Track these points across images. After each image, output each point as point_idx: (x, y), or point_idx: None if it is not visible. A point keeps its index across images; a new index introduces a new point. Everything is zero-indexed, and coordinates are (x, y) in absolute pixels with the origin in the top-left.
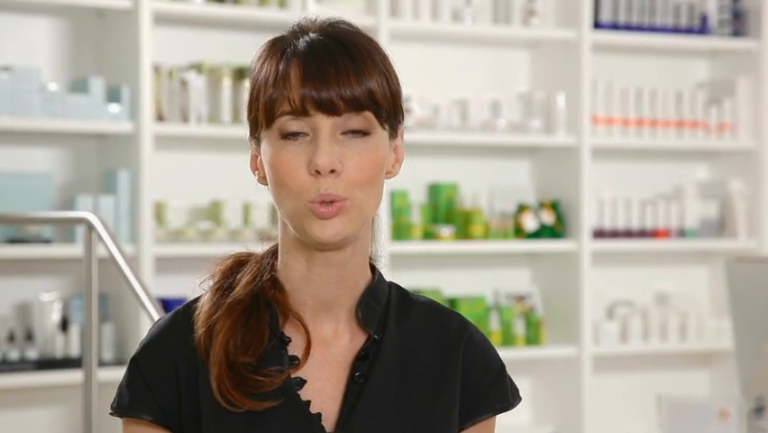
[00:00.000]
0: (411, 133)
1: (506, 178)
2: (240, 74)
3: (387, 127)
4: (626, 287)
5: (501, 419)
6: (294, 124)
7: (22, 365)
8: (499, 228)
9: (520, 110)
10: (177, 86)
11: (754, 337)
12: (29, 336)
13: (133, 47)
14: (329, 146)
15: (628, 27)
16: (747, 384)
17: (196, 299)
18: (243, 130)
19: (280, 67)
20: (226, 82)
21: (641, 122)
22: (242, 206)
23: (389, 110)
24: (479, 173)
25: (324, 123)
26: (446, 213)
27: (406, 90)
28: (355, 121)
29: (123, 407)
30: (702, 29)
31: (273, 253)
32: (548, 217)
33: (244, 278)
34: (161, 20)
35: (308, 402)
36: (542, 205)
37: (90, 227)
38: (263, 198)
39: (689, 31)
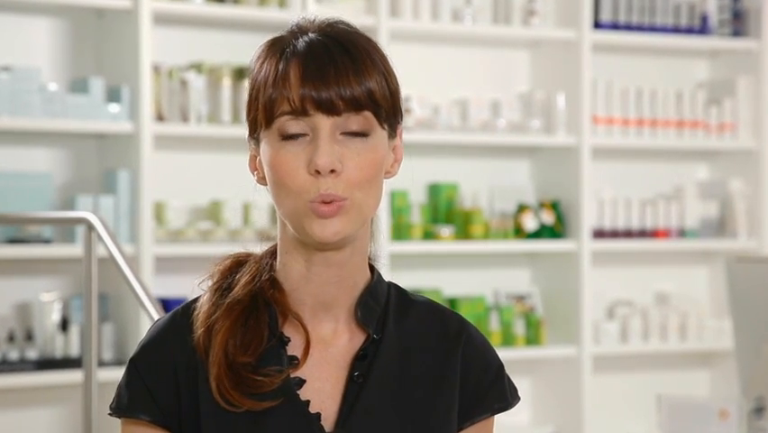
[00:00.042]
0: (411, 133)
1: (506, 178)
2: (240, 74)
3: (386, 127)
4: (626, 287)
5: (501, 420)
6: (293, 125)
7: (22, 365)
8: (499, 228)
9: (520, 110)
10: (176, 86)
11: (754, 337)
12: (29, 336)
13: (133, 47)
14: (329, 146)
15: (628, 27)
16: (747, 384)
17: (195, 300)
18: (243, 130)
19: (280, 67)
20: (226, 82)
21: (641, 122)
22: (241, 206)
23: (389, 110)
24: (479, 173)
25: (324, 123)
26: (446, 213)
27: (406, 90)
28: (355, 121)
29: (122, 407)
30: (702, 29)
31: (272, 253)
32: (548, 217)
33: (243, 278)
34: (161, 20)
35: (307, 402)
36: (542, 205)
37: (90, 227)
38: (263, 198)
39: (689, 31)
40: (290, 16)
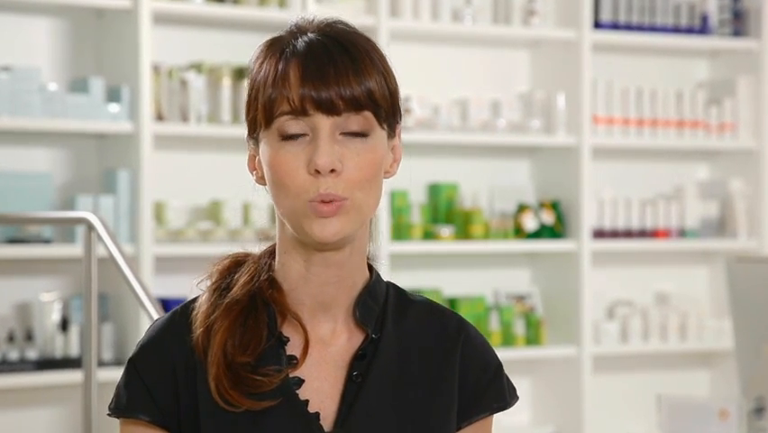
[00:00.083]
0: (411, 133)
1: (506, 178)
2: (240, 74)
3: (385, 127)
4: (626, 287)
5: (502, 420)
6: (293, 125)
7: (22, 365)
8: (499, 228)
9: (520, 110)
10: (176, 85)
11: (754, 337)
12: (29, 337)
13: (133, 47)
14: (329, 146)
15: (628, 27)
16: (747, 384)
17: (194, 300)
18: (243, 130)
19: (279, 67)
20: (226, 82)
21: (641, 122)
22: (241, 206)
23: (388, 110)
24: (479, 173)
25: (324, 122)
26: (446, 213)
27: (406, 90)
28: (354, 121)
29: (121, 407)
30: (702, 29)
31: (271, 253)
32: (548, 217)
33: (242, 278)
34: (161, 20)
35: (306, 402)
36: (542, 205)
37: (90, 227)
38: (263, 197)
39: (689, 30)
40: (290, 16)
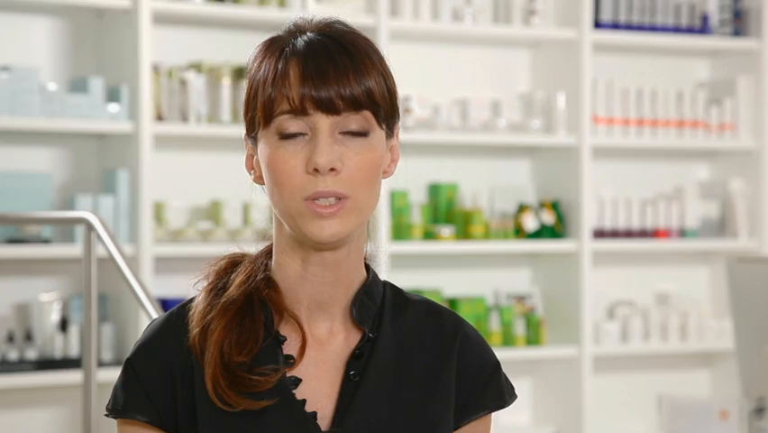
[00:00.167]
0: (411, 132)
1: (506, 178)
2: (239, 74)
3: (384, 127)
4: (627, 287)
5: (502, 420)
6: (293, 124)
7: (22, 366)
8: (500, 228)
9: (520, 110)
10: (176, 85)
11: (754, 338)
12: (28, 337)
13: (133, 47)
14: (329, 145)
15: (629, 27)
16: (748, 385)
17: (191, 300)
18: (243, 130)
19: (279, 66)
20: (226, 82)
21: (641, 122)
22: (241, 205)
23: (387, 110)
24: (479, 173)
25: (324, 122)
26: (446, 213)
27: (406, 90)
28: (354, 120)
29: (119, 408)
30: (703, 28)
31: (267, 252)
32: (548, 217)
33: (238, 278)
34: (161, 19)
35: (303, 401)
36: (542, 205)
37: (90, 227)
38: (263, 197)
39: (689, 30)
40: (290, 16)
